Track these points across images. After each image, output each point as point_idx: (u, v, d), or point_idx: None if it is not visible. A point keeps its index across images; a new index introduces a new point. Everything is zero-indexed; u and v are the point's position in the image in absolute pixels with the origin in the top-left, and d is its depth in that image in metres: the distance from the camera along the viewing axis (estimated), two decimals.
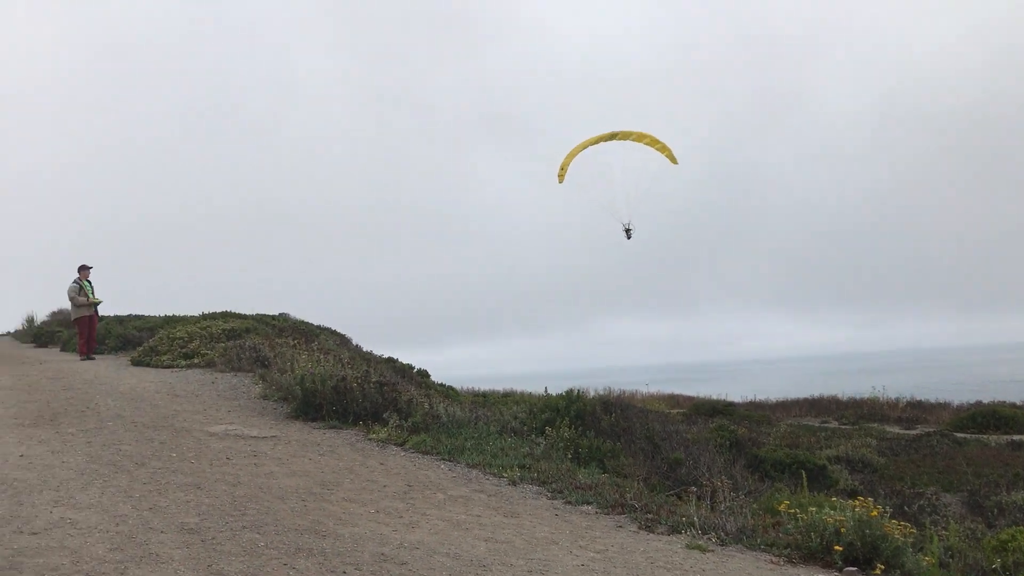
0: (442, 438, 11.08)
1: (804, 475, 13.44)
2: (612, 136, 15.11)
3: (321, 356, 14.55)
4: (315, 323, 26.27)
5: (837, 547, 7.05)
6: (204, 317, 22.64)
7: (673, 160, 15.52)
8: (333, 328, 26.14)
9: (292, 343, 17.61)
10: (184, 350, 18.30)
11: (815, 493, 12.28)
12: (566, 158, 15.45)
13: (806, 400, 37.42)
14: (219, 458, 9.00)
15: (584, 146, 15.33)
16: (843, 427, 28.91)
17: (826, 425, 29.64)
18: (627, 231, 16.18)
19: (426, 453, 10.46)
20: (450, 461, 10.15)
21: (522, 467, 9.97)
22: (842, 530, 7.19)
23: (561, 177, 15.77)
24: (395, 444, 10.83)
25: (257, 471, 8.55)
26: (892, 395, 35.75)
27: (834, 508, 7.80)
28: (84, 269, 19.99)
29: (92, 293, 19.93)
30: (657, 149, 15.32)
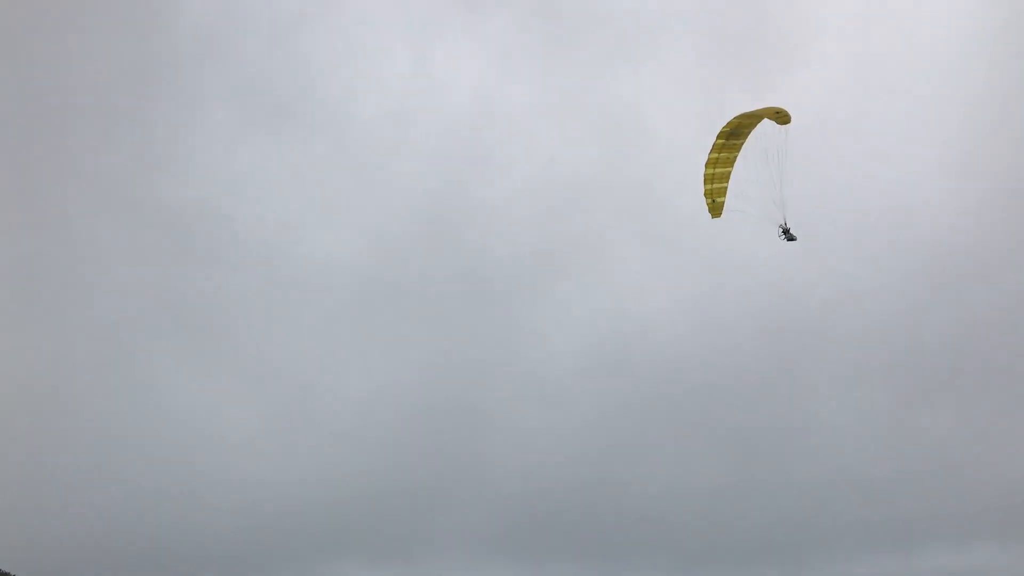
0: None
1: None
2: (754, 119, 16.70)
3: None
4: None
5: None
6: None
7: (783, 120, 17.18)
8: None
9: None
10: None
11: None
12: (736, 117, 15.35)
13: None
14: None
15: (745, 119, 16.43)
16: None
17: None
18: (786, 232, 15.91)
19: None
20: None
21: None
22: None
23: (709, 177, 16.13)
24: None
25: None
26: None
27: None
28: None
29: None
30: (776, 116, 16.90)
